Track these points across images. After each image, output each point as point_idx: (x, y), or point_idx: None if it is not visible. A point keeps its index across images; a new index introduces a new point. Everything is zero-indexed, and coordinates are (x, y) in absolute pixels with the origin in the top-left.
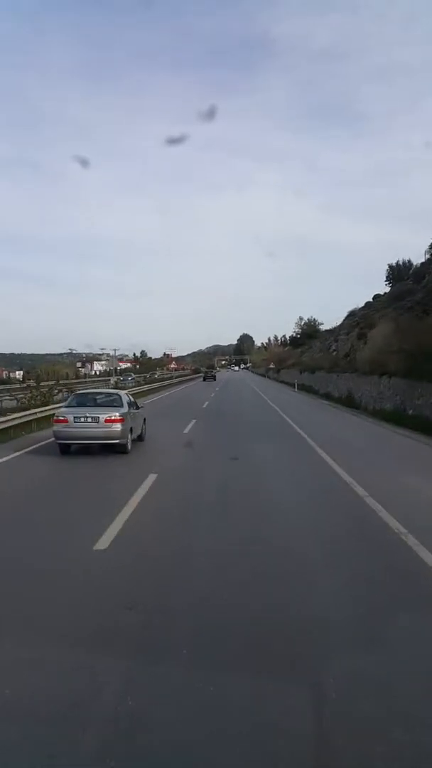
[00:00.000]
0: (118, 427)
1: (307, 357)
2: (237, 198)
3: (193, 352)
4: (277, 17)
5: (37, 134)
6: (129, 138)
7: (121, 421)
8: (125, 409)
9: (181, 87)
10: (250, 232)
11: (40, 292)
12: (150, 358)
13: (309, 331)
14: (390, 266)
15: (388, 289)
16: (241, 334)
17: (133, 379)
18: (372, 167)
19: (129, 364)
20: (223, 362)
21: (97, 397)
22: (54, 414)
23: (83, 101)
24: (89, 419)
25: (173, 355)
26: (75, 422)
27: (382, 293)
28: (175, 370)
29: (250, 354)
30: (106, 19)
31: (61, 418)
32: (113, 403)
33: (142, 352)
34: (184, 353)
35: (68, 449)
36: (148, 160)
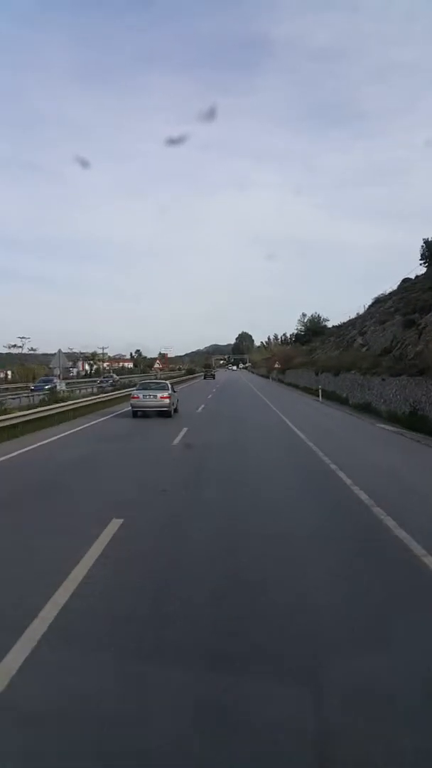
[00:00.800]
0: (167, 401)
1: (320, 354)
2: (237, 198)
3: (191, 352)
4: (276, 17)
5: (36, 135)
6: (129, 138)
7: (168, 397)
8: (170, 391)
9: (181, 87)
10: (250, 232)
11: (39, 291)
12: (145, 357)
13: (314, 328)
14: (426, 242)
15: (423, 270)
16: (240, 332)
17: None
18: (372, 166)
19: (70, 364)
20: (222, 362)
21: (152, 384)
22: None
23: (82, 102)
24: (151, 396)
25: (170, 355)
26: (143, 398)
27: (413, 276)
28: (161, 370)
29: (249, 353)
30: (105, 19)
31: (135, 395)
32: (162, 387)
33: (137, 351)
34: (182, 353)
35: (137, 414)
36: (148, 160)
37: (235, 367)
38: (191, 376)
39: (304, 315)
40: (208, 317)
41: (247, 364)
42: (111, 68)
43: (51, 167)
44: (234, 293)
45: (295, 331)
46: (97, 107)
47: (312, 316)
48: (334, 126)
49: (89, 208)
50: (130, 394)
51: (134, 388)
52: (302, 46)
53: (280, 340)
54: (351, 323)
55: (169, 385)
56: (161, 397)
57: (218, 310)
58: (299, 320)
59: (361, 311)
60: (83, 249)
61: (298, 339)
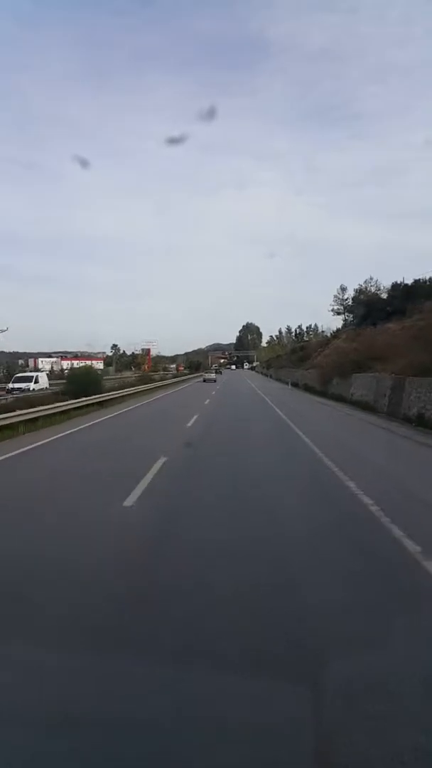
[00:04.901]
0: (215, 377)
1: None
2: (237, 196)
3: (192, 351)
4: (275, 18)
5: (34, 134)
6: (128, 137)
7: (215, 374)
8: (216, 373)
9: (181, 87)
10: (251, 231)
11: (38, 291)
12: (124, 353)
13: (372, 301)
14: None
15: None
16: (245, 323)
17: None
18: (372, 166)
19: None
20: (222, 360)
21: (208, 370)
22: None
23: (81, 101)
24: (209, 374)
25: (167, 354)
26: (206, 375)
27: None
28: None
29: (256, 349)
30: (104, 18)
31: (205, 375)
32: (212, 372)
33: (114, 346)
34: (182, 351)
35: (205, 381)
36: (148, 159)
37: (234, 367)
38: (127, 391)
39: (343, 289)
40: (209, 316)
41: (254, 364)
42: (110, 67)
43: (50, 166)
44: (235, 292)
45: (334, 309)
46: (96, 106)
47: (360, 288)
48: (334, 126)
49: (89, 206)
50: (203, 373)
51: (204, 371)
52: (302, 46)
53: (294, 334)
54: None
55: (214, 371)
56: (214, 375)
57: (219, 308)
58: (336, 297)
59: None
60: (82, 248)
61: (362, 317)
